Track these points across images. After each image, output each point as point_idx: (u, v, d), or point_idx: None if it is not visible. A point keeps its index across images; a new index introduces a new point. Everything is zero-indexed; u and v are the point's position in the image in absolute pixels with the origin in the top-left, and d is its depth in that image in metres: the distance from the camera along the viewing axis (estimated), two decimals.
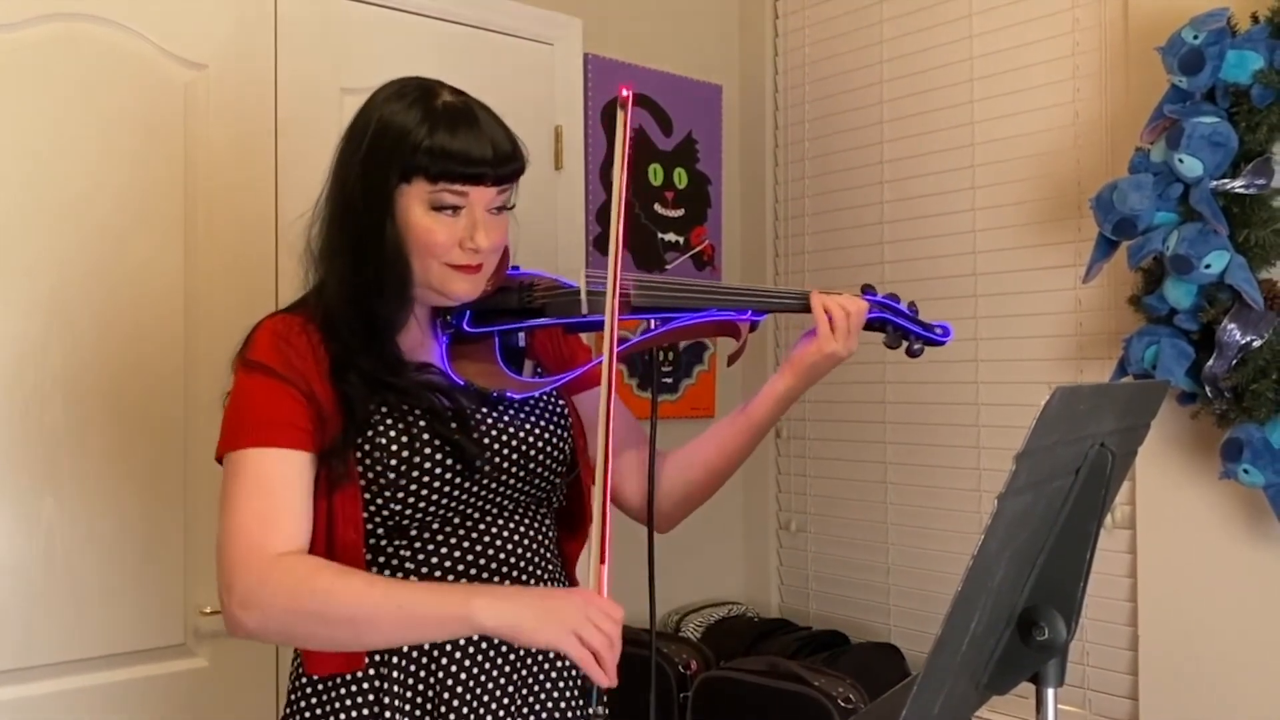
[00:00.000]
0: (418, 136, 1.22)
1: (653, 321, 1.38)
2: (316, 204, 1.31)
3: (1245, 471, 1.83)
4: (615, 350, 1.21)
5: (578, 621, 1.12)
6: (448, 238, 1.25)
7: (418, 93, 1.27)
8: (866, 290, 1.43)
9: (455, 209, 1.25)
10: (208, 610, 2.02)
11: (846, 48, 2.75)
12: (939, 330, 1.45)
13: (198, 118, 2.04)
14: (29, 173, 1.87)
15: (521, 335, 1.39)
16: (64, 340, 1.89)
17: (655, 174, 2.77)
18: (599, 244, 2.64)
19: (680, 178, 2.82)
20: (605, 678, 1.12)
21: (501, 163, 1.25)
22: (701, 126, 2.87)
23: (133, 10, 1.98)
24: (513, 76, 2.46)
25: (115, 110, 1.95)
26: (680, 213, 2.82)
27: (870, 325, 1.43)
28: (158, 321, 1.99)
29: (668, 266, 2.78)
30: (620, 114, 1.23)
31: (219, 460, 1.25)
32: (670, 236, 2.80)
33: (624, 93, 1.24)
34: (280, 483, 1.20)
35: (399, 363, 1.29)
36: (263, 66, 2.12)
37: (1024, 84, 2.36)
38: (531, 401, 1.37)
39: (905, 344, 1.45)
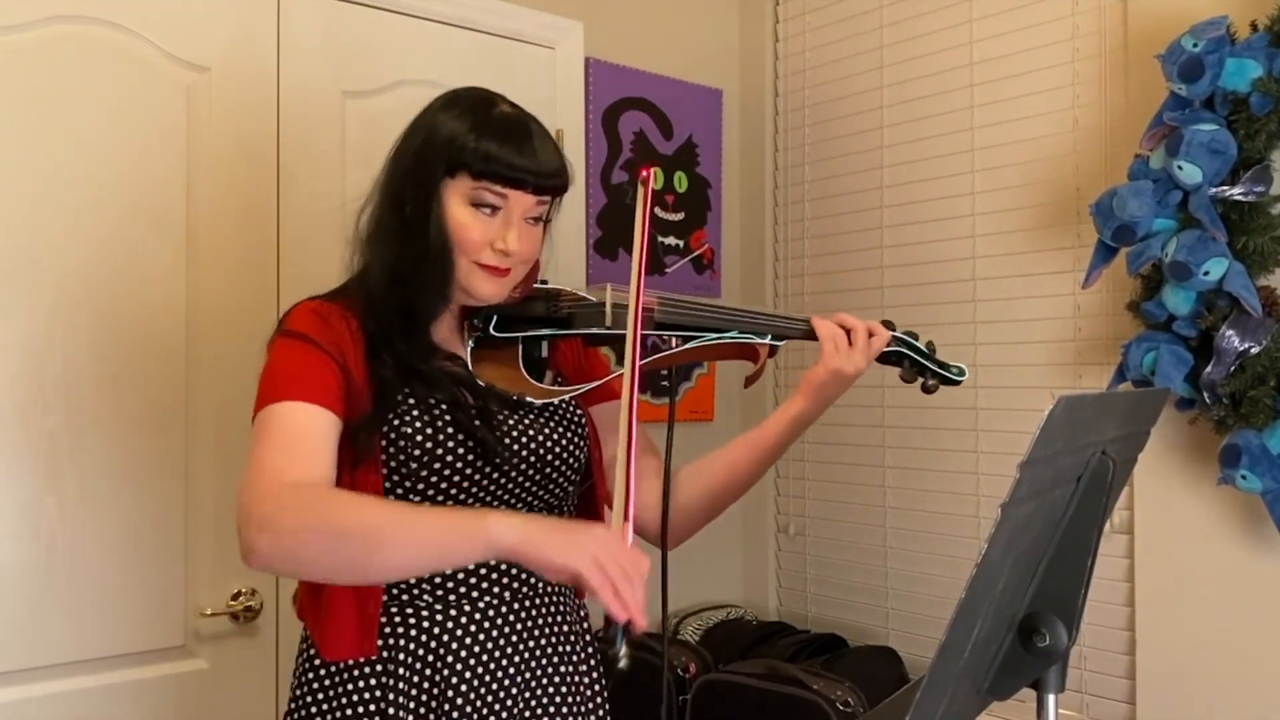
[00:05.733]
0: (470, 135, 1.28)
1: (674, 340, 1.40)
2: (370, 191, 1.36)
3: (1243, 477, 1.84)
4: (639, 339, 1.23)
5: (600, 551, 1.06)
6: (481, 235, 1.29)
7: (477, 98, 1.33)
8: (886, 326, 1.46)
9: (494, 209, 1.29)
10: (208, 612, 2.03)
11: (846, 53, 2.76)
12: (955, 370, 1.48)
13: (200, 120, 2.05)
14: (31, 174, 1.87)
15: (545, 345, 1.40)
16: (66, 342, 1.89)
17: (655, 178, 2.78)
18: (599, 247, 2.65)
19: (680, 181, 2.83)
20: (622, 610, 1.05)
21: (545, 174, 1.30)
22: (702, 130, 2.88)
23: (135, 13, 1.98)
24: (514, 80, 2.47)
25: (118, 113, 1.96)
26: (680, 216, 2.83)
27: (888, 359, 1.46)
28: (159, 323, 2.00)
29: (667, 270, 2.79)
30: (640, 190, 1.26)
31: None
32: (670, 240, 2.81)
33: (644, 173, 1.27)
34: (307, 432, 1.21)
35: (431, 349, 1.32)
36: (265, 69, 2.13)
37: (1024, 90, 2.36)
38: (551, 408, 1.39)
39: (921, 380, 1.47)
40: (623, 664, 1.08)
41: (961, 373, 1.48)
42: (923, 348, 1.49)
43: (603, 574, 1.05)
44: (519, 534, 1.07)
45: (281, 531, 1.12)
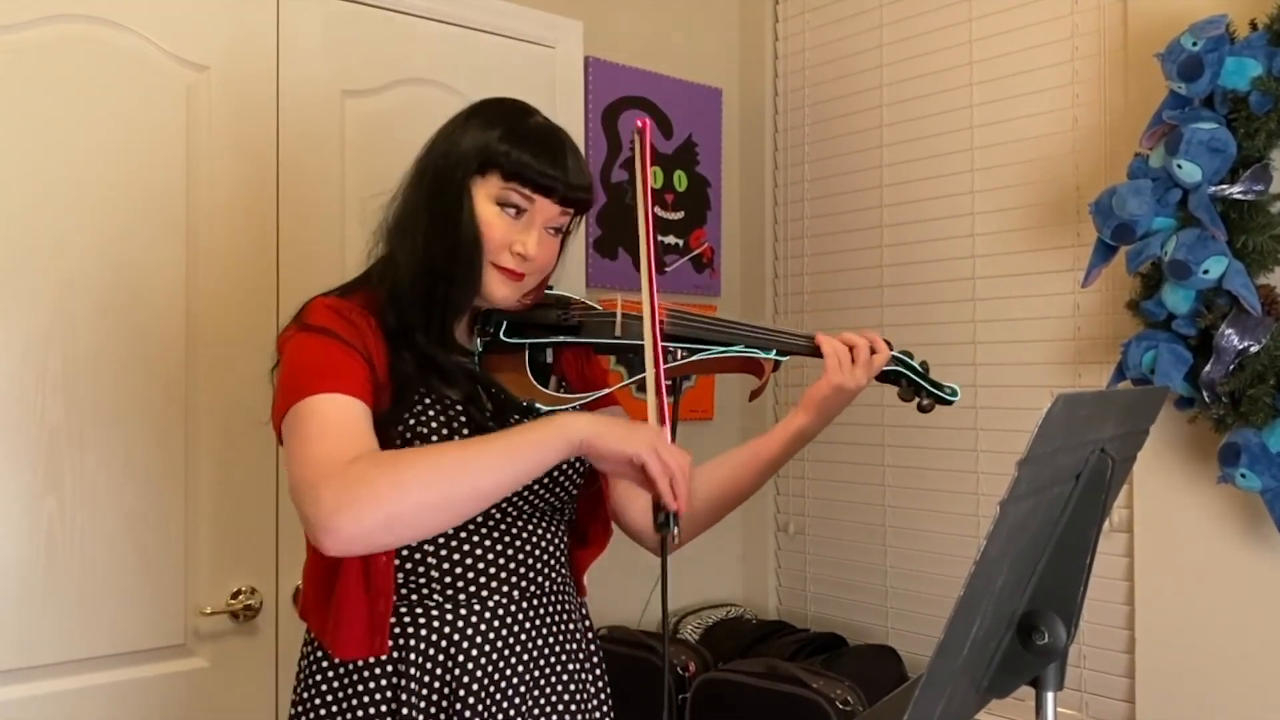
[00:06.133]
0: (505, 139, 1.30)
1: (679, 352, 1.41)
2: (399, 185, 1.37)
3: (1242, 476, 1.84)
4: (658, 322, 1.28)
5: (658, 443, 1.19)
6: (502, 236, 1.30)
7: (514, 106, 1.35)
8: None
9: (519, 210, 1.30)
10: (208, 610, 2.03)
11: (846, 52, 2.76)
12: (948, 390, 1.52)
13: (199, 119, 2.05)
14: (31, 174, 1.87)
15: (549, 351, 1.42)
16: (65, 341, 1.90)
17: (655, 177, 2.77)
18: (598, 246, 2.65)
19: (680, 180, 2.83)
20: (672, 500, 1.18)
21: (574, 186, 1.31)
22: (702, 129, 2.88)
23: (135, 12, 1.98)
24: (514, 79, 2.47)
25: (117, 112, 1.96)
26: (680, 215, 2.83)
27: (886, 378, 1.51)
28: (159, 322, 2.00)
29: (667, 269, 2.79)
30: (637, 140, 1.29)
31: (277, 426, 1.24)
32: (670, 239, 2.81)
33: (639, 124, 1.29)
34: (348, 419, 1.20)
35: (449, 344, 1.33)
36: (265, 68, 2.13)
37: (1023, 89, 2.36)
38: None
39: (917, 399, 1.52)
40: (676, 541, 1.23)
41: (954, 393, 1.52)
42: (917, 366, 1.53)
43: (662, 464, 1.18)
44: (590, 428, 1.18)
45: (369, 501, 1.11)
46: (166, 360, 2.00)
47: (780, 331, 1.48)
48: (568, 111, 2.58)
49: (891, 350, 1.49)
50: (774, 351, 1.45)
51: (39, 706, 1.86)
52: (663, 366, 1.26)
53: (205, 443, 2.04)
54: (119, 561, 1.94)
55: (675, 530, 1.21)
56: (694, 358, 1.42)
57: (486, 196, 1.30)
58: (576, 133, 2.58)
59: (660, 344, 1.27)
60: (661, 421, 1.23)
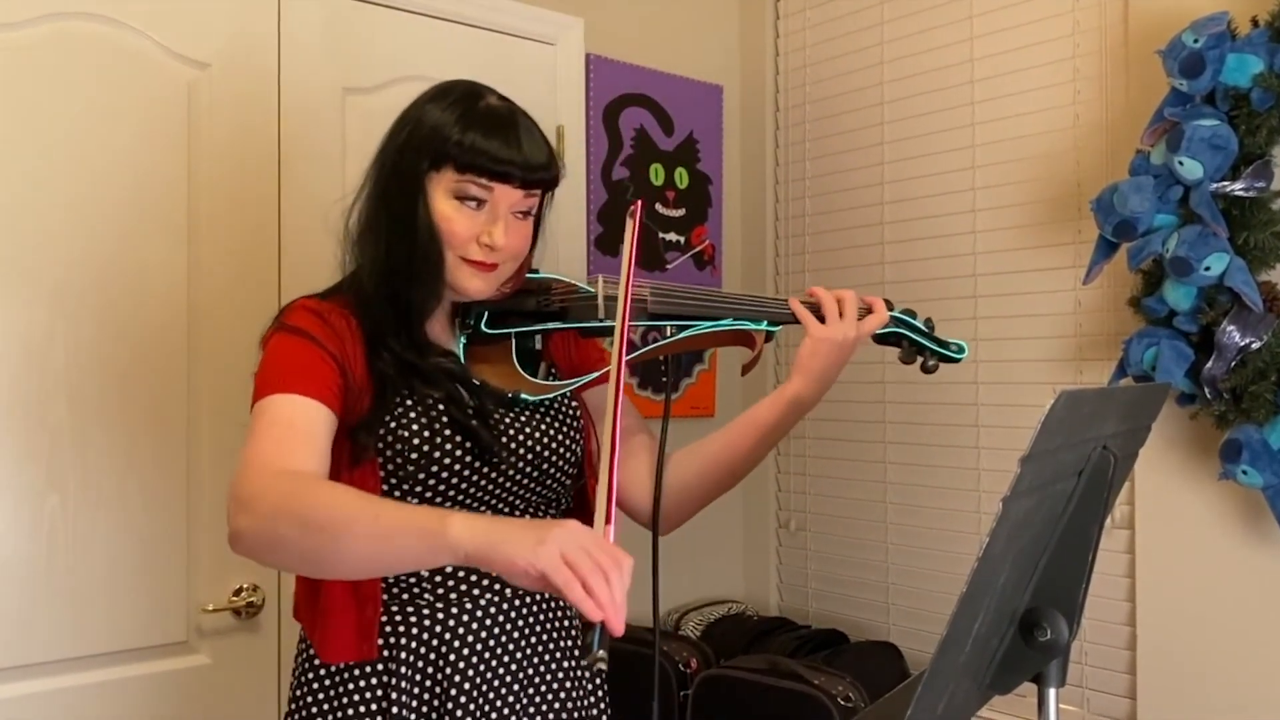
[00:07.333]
0: (455, 128, 1.26)
1: (669, 329, 1.39)
2: (358, 189, 1.34)
3: (1244, 472, 1.84)
4: (624, 356, 1.17)
5: (569, 547, 0.94)
6: (466, 230, 1.27)
7: (464, 90, 1.31)
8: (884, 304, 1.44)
9: (479, 202, 1.27)
10: (210, 607, 2.03)
11: (847, 49, 2.76)
12: (954, 347, 1.46)
13: (201, 117, 2.05)
14: (32, 172, 1.87)
15: (538, 338, 1.39)
16: (67, 338, 1.90)
17: (656, 174, 2.78)
18: (599, 243, 2.65)
19: (681, 178, 2.83)
20: (595, 609, 0.92)
21: (531, 168, 1.27)
22: (703, 126, 2.88)
23: (136, 9, 1.98)
24: (515, 76, 2.46)
25: (118, 109, 1.96)
26: (681, 212, 2.83)
27: (885, 339, 1.45)
28: (161, 320, 2.00)
29: (668, 266, 2.79)
30: (630, 223, 1.24)
31: None
32: (671, 236, 2.81)
33: (632, 206, 1.26)
34: (302, 422, 1.19)
35: (425, 346, 1.31)
36: (266, 66, 2.13)
37: (1024, 86, 2.36)
38: (546, 403, 1.38)
39: (920, 360, 1.45)
40: (601, 667, 0.97)
41: (961, 350, 1.46)
42: (921, 325, 1.47)
43: (569, 571, 0.93)
44: (480, 535, 0.97)
45: (261, 515, 1.09)
46: (168, 357, 2.00)
47: (770, 301, 1.43)
48: (569, 109, 2.58)
49: (893, 311, 1.43)
50: (765, 322, 1.41)
51: (41, 703, 1.86)
52: (616, 458, 1.03)
53: (207, 439, 2.04)
54: (121, 558, 1.94)
55: (600, 654, 0.94)
56: (682, 334, 1.38)
57: (444, 191, 1.27)
58: (577, 130, 2.59)
59: (620, 421, 1.08)
60: (606, 520, 0.99)
